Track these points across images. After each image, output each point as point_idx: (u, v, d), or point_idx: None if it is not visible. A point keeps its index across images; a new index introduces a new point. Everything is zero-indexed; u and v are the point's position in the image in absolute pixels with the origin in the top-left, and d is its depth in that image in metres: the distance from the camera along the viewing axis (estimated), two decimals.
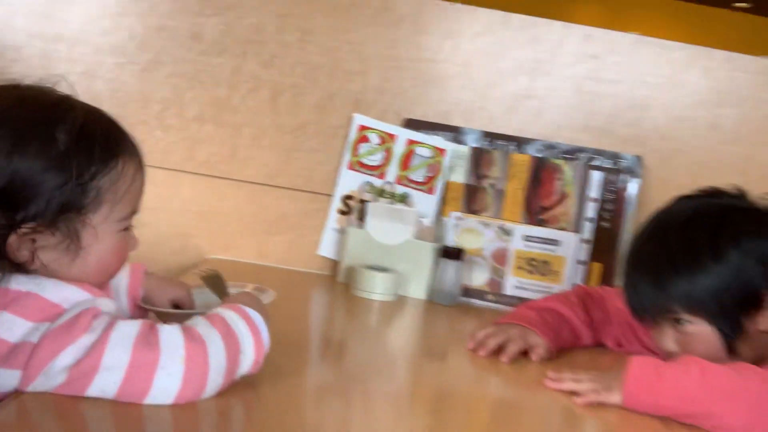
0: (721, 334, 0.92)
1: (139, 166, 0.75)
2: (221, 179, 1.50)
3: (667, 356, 0.96)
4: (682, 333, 0.96)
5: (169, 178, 1.49)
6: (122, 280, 0.89)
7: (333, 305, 1.36)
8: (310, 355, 0.98)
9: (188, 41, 1.47)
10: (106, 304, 0.69)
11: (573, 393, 0.88)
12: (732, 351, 0.93)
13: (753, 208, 0.99)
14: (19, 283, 0.67)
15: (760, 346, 0.94)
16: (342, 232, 1.46)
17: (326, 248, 1.49)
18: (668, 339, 0.97)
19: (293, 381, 0.81)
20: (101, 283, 0.74)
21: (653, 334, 1.01)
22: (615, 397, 0.86)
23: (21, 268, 0.67)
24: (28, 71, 1.43)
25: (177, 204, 1.50)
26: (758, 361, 0.90)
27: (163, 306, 0.91)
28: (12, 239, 0.66)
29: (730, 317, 0.92)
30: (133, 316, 0.89)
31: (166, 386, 0.65)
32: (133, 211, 0.74)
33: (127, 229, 0.74)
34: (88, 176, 0.68)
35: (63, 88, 0.72)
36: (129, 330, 0.66)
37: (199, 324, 0.71)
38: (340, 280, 1.42)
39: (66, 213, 0.67)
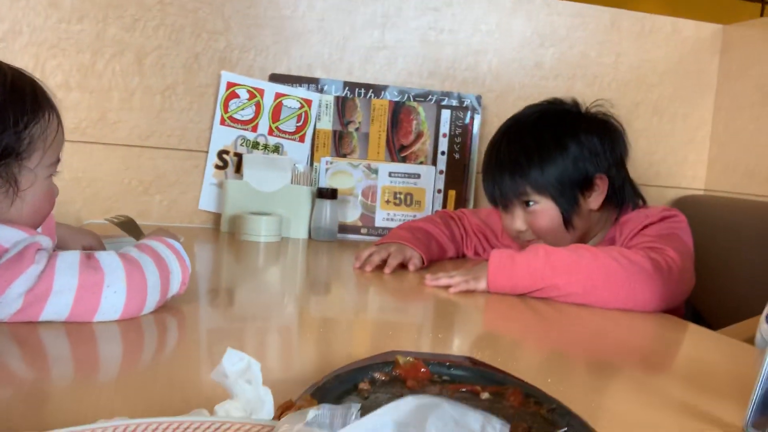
0: (561, 210, 1.16)
1: (59, 119, 0.82)
2: (94, 144, 1.53)
3: (516, 237, 1.20)
4: (530, 213, 1.18)
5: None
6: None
7: (221, 252, 1.45)
8: (205, 297, 1.06)
9: (46, 9, 1.47)
10: (44, 240, 0.76)
11: (447, 287, 1.07)
12: (568, 225, 1.16)
13: (585, 112, 1.24)
14: None
15: (589, 222, 1.20)
16: (220, 185, 1.55)
17: (207, 202, 1.57)
18: (518, 219, 1.20)
19: (192, 318, 0.86)
20: (33, 227, 0.80)
21: (505, 220, 1.23)
22: (481, 284, 1.05)
23: None
24: None
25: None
26: (586, 234, 1.17)
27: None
28: None
29: (568, 197, 1.16)
30: None
31: (112, 302, 0.74)
32: (59, 159, 0.81)
33: (52, 175, 0.81)
34: (22, 125, 0.75)
35: None
36: (71, 258, 0.74)
37: (131, 250, 0.80)
38: (223, 230, 1.51)
39: (5, 159, 0.74)
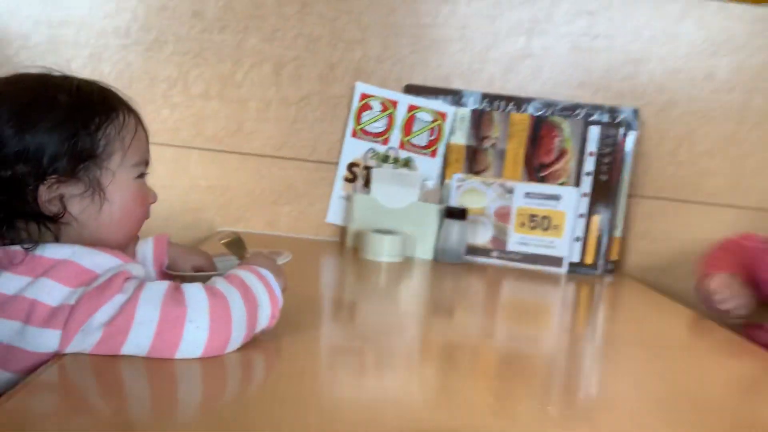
0: None
1: (139, 120, 0.81)
2: (229, 153, 1.55)
3: None
4: None
5: (178, 155, 1.54)
6: (148, 249, 0.95)
7: (343, 269, 1.41)
8: (324, 315, 1.04)
9: (190, 19, 1.51)
10: (135, 269, 0.75)
11: None
12: None
13: None
14: (55, 252, 0.72)
15: None
16: (348, 199, 1.51)
17: (334, 215, 1.54)
18: None
19: (310, 336, 0.86)
20: (129, 235, 0.80)
21: None
22: None
23: (54, 221, 0.73)
24: (36, 58, 1.49)
25: (187, 180, 1.54)
26: None
27: (187, 272, 0.96)
28: (41, 190, 0.71)
29: None
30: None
31: (194, 338, 0.70)
32: (144, 160, 0.80)
33: (142, 177, 0.80)
34: (94, 126, 0.74)
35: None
36: (157, 289, 0.72)
37: (218, 282, 0.76)
38: (348, 246, 1.47)
39: (83, 162, 0.73)
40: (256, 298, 0.77)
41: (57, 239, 0.74)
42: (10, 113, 0.72)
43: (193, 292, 0.73)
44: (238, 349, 0.74)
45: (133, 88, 1.50)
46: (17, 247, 0.72)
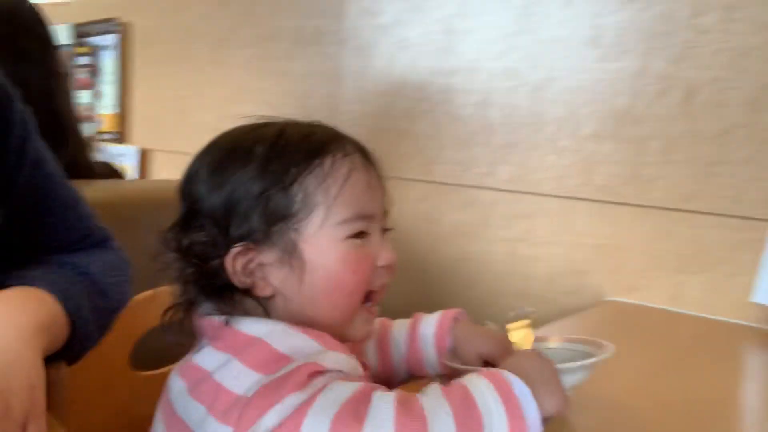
0: None
1: (358, 164, 0.64)
2: (623, 205, 1.25)
3: None
4: None
5: (563, 207, 1.31)
6: (429, 328, 0.78)
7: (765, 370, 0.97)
8: None
9: (583, 49, 1.29)
10: (334, 360, 0.58)
11: None
12: None
13: None
14: (251, 328, 0.61)
15: None
16: None
17: (765, 293, 1.09)
18: None
19: None
20: (344, 310, 0.63)
21: None
22: None
23: (252, 295, 0.62)
24: (431, 108, 1.46)
25: (571, 236, 1.30)
26: None
27: (471, 363, 0.74)
28: (227, 258, 0.61)
29: None
30: (441, 374, 0.77)
31: None
32: (360, 215, 0.62)
33: (361, 236, 0.62)
34: (289, 180, 0.60)
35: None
36: (340, 394, 0.54)
37: (428, 394, 0.55)
38: None
39: (276, 224, 0.60)
40: (481, 420, 0.52)
41: (268, 315, 0.62)
42: (208, 169, 0.63)
43: (381, 404, 0.53)
44: None
45: (519, 133, 1.35)
46: (220, 318, 0.62)
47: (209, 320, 0.62)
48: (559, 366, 0.60)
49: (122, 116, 2.17)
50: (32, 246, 0.70)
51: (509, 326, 0.72)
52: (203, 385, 0.59)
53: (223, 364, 0.59)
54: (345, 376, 0.56)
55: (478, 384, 0.55)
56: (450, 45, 1.45)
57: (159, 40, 2.03)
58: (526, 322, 0.72)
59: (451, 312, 0.79)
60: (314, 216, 0.60)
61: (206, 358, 0.61)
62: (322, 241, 0.61)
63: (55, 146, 1.16)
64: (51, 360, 0.66)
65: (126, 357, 0.84)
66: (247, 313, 0.62)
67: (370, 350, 0.80)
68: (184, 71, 1.97)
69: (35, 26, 1.22)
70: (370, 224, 0.63)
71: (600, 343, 0.68)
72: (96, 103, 2.25)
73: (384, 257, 0.64)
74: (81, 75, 2.26)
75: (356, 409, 0.52)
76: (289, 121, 0.66)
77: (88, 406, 0.81)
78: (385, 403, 0.53)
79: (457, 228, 1.45)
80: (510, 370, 0.56)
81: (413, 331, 0.79)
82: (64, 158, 1.19)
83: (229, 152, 0.63)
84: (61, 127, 1.20)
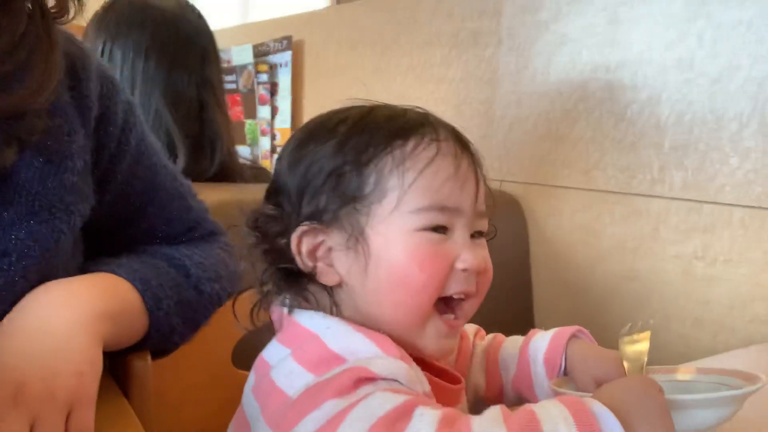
0: None
1: (448, 151, 0.56)
2: None
3: None
4: None
5: (749, 219, 1.10)
6: (540, 344, 0.68)
7: None
8: None
9: None
10: (389, 367, 0.50)
11: None
12: None
13: None
14: (309, 321, 0.56)
15: None
16: None
17: None
18: None
19: None
20: (407, 311, 0.55)
21: None
22: None
23: (318, 283, 0.57)
24: (593, 108, 1.31)
25: (760, 254, 1.09)
26: None
27: (586, 389, 0.62)
28: (293, 236, 0.56)
29: None
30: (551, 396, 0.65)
31: None
32: (439, 206, 0.55)
33: (438, 231, 0.55)
34: (365, 158, 0.55)
35: None
36: (381, 406, 0.46)
37: (484, 416, 0.46)
38: None
39: (346, 205, 0.55)
40: None
41: (337, 307, 0.57)
42: (293, 146, 0.60)
43: (421, 424, 0.45)
44: None
45: (693, 133, 1.17)
46: (284, 309, 0.57)
47: (278, 310, 0.59)
48: (676, 397, 0.47)
49: (294, 129, 2.25)
50: (132, 235, 0.70)
51: (622, 341, 0.60)
52: (263, 382, 0.55)
53: (282, 359, 0.54)
54: (399, 388, 0.48)
55: (552, 411, 0.45)
56: (615, 36, 1.29)
57: (326, 54, 2.07)
58: (643, 335, 0.59)
59: (570, 328, 0.68)
60: (387, 201, 0.54)
61: (271, 350, 0.57)
62: (391, 228, 0.54)
63: (201, 151, 1.22)
64: (133, 351, 0.65)
65: (228, 354, 0.83)
66: (318, 306, 0.57)
67: (476, 368, 0.71)
68: (349, 82, 1.99)
69: (196, 36, 1.27)
70: (452, 220, 0.55)
71: (749, 375, 0.54)
72: (274, 118, 2.36)
73: (465, 259, 0.55)
74: (261, 92, 2.38)
75: (392, 426, 0.44)
76: (381, 104, 0.61)
77: (190, 401, 0.80)
78: (426, 421, 0.44)
79: (622, 242, 1.29)
80: (601, 399, 0.45)
81: (524, 349, 0.69)
82: (212, 163, 1.23)
83: (315, 130, 0.60)
84: (211, 135, 1.24)
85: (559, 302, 1.39)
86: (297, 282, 0.57)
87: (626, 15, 1.28)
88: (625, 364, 0.60)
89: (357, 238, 0.54)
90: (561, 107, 1.38)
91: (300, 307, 0.57)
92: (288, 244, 0.56)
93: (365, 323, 0.55)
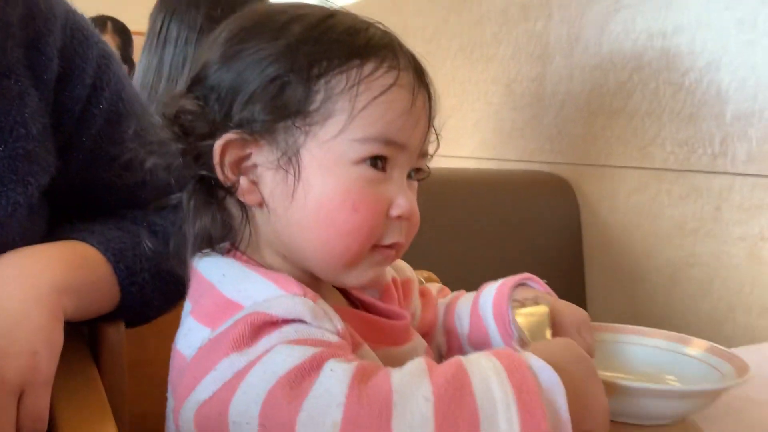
0: None
1: (407, 83, 0.49)
2: None
3: None
4: None
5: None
6: (488, 295, 0.63)
7: None
8: None
9: None
10: (288, 306, 0.44)
11: None
12: None
13: None
14: (208, 268, 0.50)
15: None
16: None
17: None
18: None
19: None
20: (332, 251, 0.48)
21: None
22: None
23: (232, 194, 0.51)
24: (649, 79, 1.21)
25: None
26: None
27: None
28: (217, 144, 0.49)
29: None
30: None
31: None
32: (387, 139, 0.48)
33: (377, 166, 0.48)
34: (316, 72, 0.48)
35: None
36: (282, 363, 0.40)
37: (407, 368, 0.39)
38: None
39: (284, 118, 0.48)
40: (477, 413, 0.37)
41: (250, 236, 0.51)
42: (229, 35, 0.52)
43: (331, 380, 0.39)
44: None
45: (758, 101, 1.05)
46: (192, 259, 0.52)
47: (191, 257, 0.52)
48: (626, 384, 0.42)
49: None
50: (111, 201, 0.66)
51: (520, 311, 0.54)
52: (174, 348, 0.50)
53: (184, 317, 0.49)
54: (305, 331, 0.42)
55: (482, 364, 0.39)
56: (671, 0, 1.19)
57: None
58: (542, 309, 0.53)
59: (518, 276, 0.62)
60: (331, 123, 0.47)
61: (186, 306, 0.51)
62: (329, 155, 0.47)
63: None
64: (105, 321, 0.62)
65: None
66: (226, 229, 0.51)
67: (438, 327, 0.66)
68: None
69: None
70: (396, 155, 0.49)
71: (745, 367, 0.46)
72: None
73: (400, 204, 0.48)
74: None
75: (298, 383, 0.38)
76: (345, 11, 0.53)
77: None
78: (336, 377, 0.38)
79: (682, 224, 1.17)
80: (538, 354, 0.39)
81: (475, 302, 0.63)
82: None
83: (260, 22, 0.52)
84: None
85: (613, 292, 1.29)
86: (213, 197, 0.51)
87: None
88: (527, 333, 0.54)
89: (290, 158, 0.48)
90: (615, 79, 1.28)
91: (206, 243, 0.50)
92: (210, 150, 0.49)
93: (284, 252, 0.49)
